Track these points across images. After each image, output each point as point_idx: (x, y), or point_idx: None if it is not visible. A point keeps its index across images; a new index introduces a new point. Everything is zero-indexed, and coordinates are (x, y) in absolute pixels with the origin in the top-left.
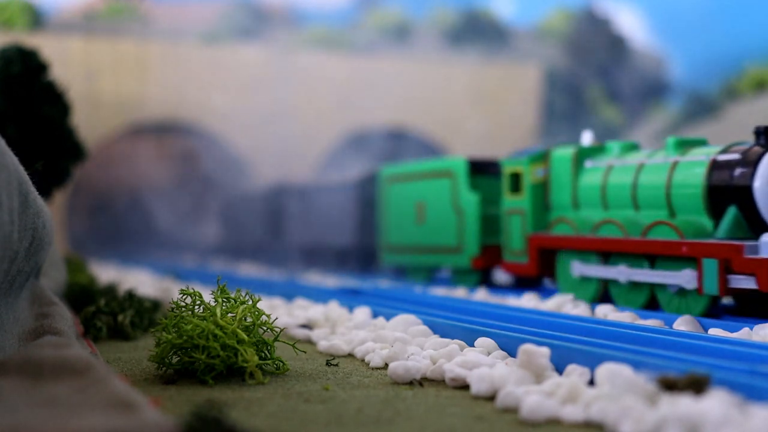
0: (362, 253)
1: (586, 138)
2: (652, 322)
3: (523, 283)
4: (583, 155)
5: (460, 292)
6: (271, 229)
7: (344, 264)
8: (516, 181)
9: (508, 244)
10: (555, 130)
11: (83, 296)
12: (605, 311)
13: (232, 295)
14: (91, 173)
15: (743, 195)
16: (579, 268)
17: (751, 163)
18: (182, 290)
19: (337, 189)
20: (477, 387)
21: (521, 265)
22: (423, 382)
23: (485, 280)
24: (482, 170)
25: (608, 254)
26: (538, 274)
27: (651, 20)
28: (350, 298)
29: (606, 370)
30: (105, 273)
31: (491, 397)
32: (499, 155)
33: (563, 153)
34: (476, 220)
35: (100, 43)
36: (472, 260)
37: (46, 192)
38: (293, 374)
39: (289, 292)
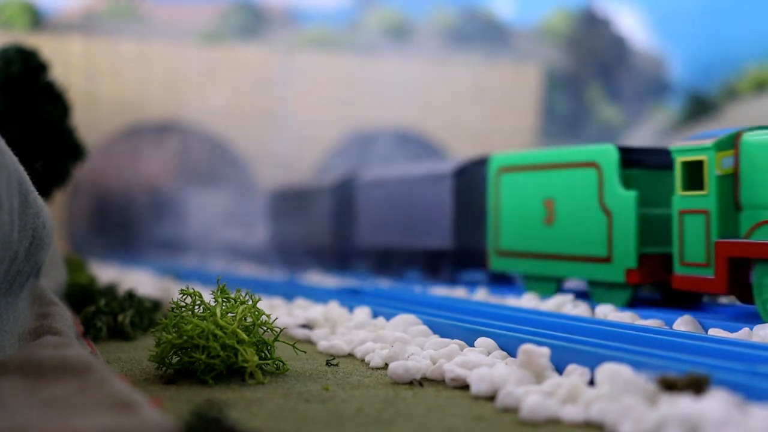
0: (459, 256)
1: None
2: (652, 323)
3: (674, 301)
4: None
5: (460, 292)
6: (337, 229)
7: (434, 269)
8: (695, 173)
9: (681, 253)
10: (555, 130)
11: (83, 296)
12: (605, 311)
13: (232, 295)
14: (91, 173)
15: None
16: None
17: None
18: (182, 290)
19: (427, 180)
20: (477, 387)
21: (703, 279)
22: (423, 382)
23: (635, 296)
24: (634, 161)
25: None
26: (728, 291)
27: (651, 20)
28: (350, 298)
29: (606, 370)
30: (105, 273)
31: (491, 397)
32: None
33: (762, 137)
34: (633, 224)
35: (100, 44)
36: (627, 273)
37: (46, 192)
38: (293, 374)
39: (289, 292)
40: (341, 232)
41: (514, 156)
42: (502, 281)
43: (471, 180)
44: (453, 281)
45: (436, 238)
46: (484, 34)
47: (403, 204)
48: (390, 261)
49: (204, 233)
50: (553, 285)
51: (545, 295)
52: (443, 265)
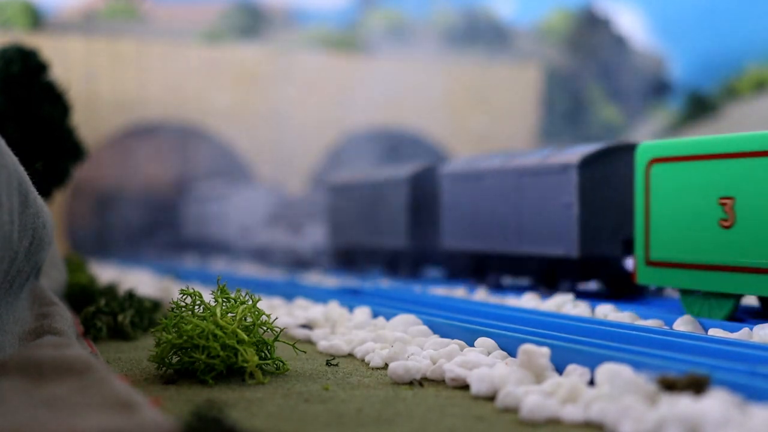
0: (585, 266)
1: None
2: (652, 323)
3: None
4: None
5: (459, 292)
6: (415, 229)
7: (551, 279)
8: None
9: None
10: (555, 130)
11: (83, 296)
12: (605, 311)
13: (232, 295)
14: (91, 173)
15: None
16: None
17: None
18: (182, 290)
19: (541, 172)
20: (477, 387)
21: None
22: (423, 382)
23: None
24: None
25: None
26: None
27: (651, 20)
28: (350, 298)
29: (606, 370)
30: (105, 273)
31: (491, 397)
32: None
33: None
34: None
35: (100, 43)
36: None
37: (46, 192)
38: (293, 374)
39: (289, 292)
40: (421, 233)
41: (672, 144)
42: (632, 296)
43: (602, 172)
44: (574, 294)
45: (553, 243)
46: (484, 34)
47: (505, 201)
48: (486, 268)
49: (240, 235)
50: (730, 303)
51: (715, 316)
52: (562, 276)
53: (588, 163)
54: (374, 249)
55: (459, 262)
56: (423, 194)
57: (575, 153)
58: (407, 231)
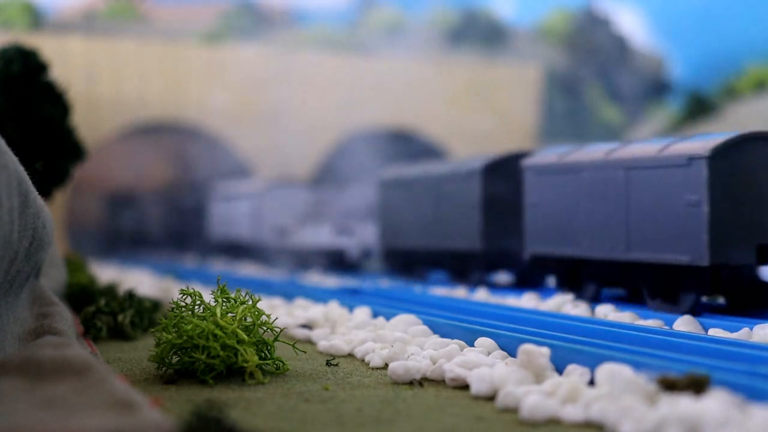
0: (714, 275)
1: None
2: (652, 323)
3: None
4: None
5: (460, 292)
6: (491, 229)
7: (669, 293)
8: None
9: None
10: (555, 130)
11: (83, 296)
12: (605, 311)
13: (232, 295)
14: (91, 173)
15: None
16: None
17: None
18: (182, 290)
19: (658, 165)
20: (477, 387)
21: None
22: (423, 382)
23: None
24: None
25: None
26: None
27: (651, 20)
28: (350, 298)
29: (606, 370)
30: (105, 273)
31: (491, 397)
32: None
33: None
34: None
35: (100, 43)
36: None
37: (46, 192)
38: (293, 374)
39: (289, 292)
40: (496, 234)
41: None
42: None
43: (735, 165)
44: (695, 312)
45: (674, 249)
46: (484, 34)
47: (609, 198)
48: (581, 276)
49: (277, 236)
50: None
51: None
52: (686, 288)
53: (719, 155)
54: (436, 251)
55: (545, 269)
56: (500, 189)
57: (704, 142)
58: (481, 231)
